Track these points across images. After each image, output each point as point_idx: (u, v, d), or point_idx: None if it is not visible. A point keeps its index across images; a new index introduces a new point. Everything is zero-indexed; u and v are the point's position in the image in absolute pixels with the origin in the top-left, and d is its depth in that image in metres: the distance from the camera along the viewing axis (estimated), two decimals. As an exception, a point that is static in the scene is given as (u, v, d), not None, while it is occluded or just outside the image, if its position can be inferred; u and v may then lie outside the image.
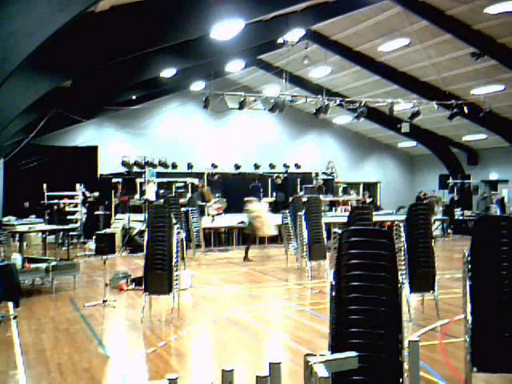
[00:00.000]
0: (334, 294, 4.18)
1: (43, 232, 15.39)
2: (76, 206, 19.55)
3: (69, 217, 18.93)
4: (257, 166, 24.71)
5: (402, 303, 4.24)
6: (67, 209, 19.57)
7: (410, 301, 8.46)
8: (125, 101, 21.10)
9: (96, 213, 19.95)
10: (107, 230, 16.57)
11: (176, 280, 8.53)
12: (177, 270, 8.58)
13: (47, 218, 17.25)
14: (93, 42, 10.38)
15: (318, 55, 20.31)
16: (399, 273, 4.31)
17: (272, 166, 24.77)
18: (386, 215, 20.91)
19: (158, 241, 8.43)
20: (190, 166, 23.56)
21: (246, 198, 16.09)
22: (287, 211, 14.66)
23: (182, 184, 23.51)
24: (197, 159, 24.52)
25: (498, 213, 21.81)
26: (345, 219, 11.90)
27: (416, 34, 17.00)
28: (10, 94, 10.08)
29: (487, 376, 5.24)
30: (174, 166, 23.00)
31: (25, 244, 15.00)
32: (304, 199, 14.87)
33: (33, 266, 10.63)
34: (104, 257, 10.07)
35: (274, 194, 24.29)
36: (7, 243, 13.84)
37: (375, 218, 12.87)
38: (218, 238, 19.07)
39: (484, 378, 5.30)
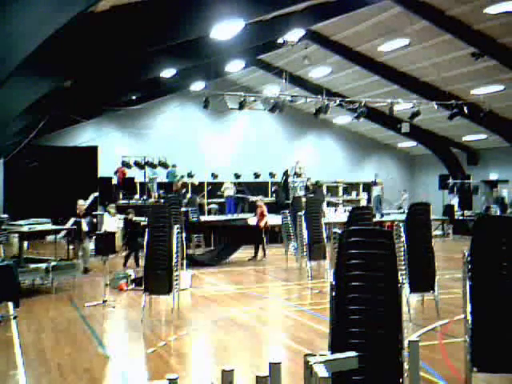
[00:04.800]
0: (333, 293, 4.19)
1: (47, 232, 15.33)
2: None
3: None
4: (257, 175, 24.73)
5: (402, 303, 4.24)
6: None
7: (410, 301, 8.46)
8: (125, 101, 21.09)
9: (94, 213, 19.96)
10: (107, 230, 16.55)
11: (176, 280, 8.54)
12: (177, 270, 8.58)
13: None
14: (93, 42, 10.36)
15: (318, 55, 20.31)
16: (399, 273, 4.31)
17: (272, 175, 24.78)
18: (386, 215, 20.93)
19: (158, 241, 8.43)
20: (190, 175, 23.59)
21: None
22: (287, 211, 14.66)
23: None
24: (197, 159, 24.53)
25: (498, 213, 21.83)
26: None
27: (416, 34, 16.99)
28: (10, 94, 10.06)
29: (487, 376, 5.24)
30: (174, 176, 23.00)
31: (25, 244, 14.95)
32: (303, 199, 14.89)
33: (33, 266, 10.65)
34: (104, 257, 10.06)
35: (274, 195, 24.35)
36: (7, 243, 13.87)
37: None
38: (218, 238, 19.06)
39: (484, 378, 5.30)
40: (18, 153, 18.34)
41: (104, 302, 9.46)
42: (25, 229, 12.40)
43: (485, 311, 4.95)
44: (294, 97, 19.18)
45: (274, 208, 22.15)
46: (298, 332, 7.93)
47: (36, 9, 7.18)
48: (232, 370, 3.00)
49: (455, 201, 24.39)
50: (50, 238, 16.58)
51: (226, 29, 12.19)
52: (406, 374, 4.01)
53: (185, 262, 12.74)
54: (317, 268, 13.04)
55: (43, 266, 10.71)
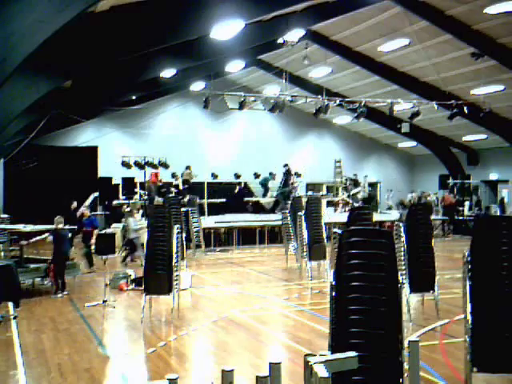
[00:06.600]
0: (334, 294, 4.19)
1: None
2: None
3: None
4: (257, 175, 24.79)
5: (402, 303, 4.24)
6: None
7: (410, 301, 8.46)
8: (125, 101, 21.09)
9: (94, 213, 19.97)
10: (107, 230, 16.56)
11: (176, 280, 8.54)
12: (177, 270, 8.59)
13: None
14: (93, 42, 10.37)
15: (318, 55, 20.31)
16: (399, 273, 4.31)
17: (272, 175, 24.78)
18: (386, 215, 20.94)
19: (158, 241, 8.43)
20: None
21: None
22: (287, 211, 14.66)
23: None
24: (197, 159, 24.52)
25: (498, 213, 21.83)
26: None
27: (416, 34, 17.00)
28: (10, 94, 10.08)
29: (487, 376, 5.24)
30: (174, 175, 23.04)
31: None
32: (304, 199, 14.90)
33: (33, 266, 10.65)
34: (104, 257, 10.06)
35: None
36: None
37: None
38: (218, 238, 19.10)
39: (484, 378, 5.30)
40: (18, 153, 18.35)
41: (104, 301, 9.46)
42: (26, 229, 12.43)
43: (485, 311, 4.95)
44: (294, 97, 19.17)
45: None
46: (297, 332, 7.93)
47: (36, 9, 7.18)
48: (232, 370, 3.00)
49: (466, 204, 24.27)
50: (50, 237, 16.56)
51: (226, 29, 12.19)
52: (406, 374, 4.01)
53: (185, 261, 12.76)
54: (317, 268, 13.04)
55: (43, 266, 10.72)
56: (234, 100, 18.18)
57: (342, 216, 19.46)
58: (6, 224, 16.31)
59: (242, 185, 24.31)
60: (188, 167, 21.46)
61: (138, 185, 21.16)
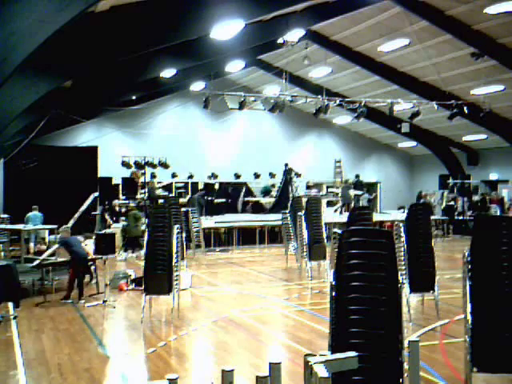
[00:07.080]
0: (334, 293, 4.19)
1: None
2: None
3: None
4: (257, 175, 24.81)
5: (402, 303, 4.24)
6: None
7: (410, 301, 8.46)
8: (125, 101, 21.10)
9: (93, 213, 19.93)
10: (107, 230, 16.55)
11: (176, 280, 8.54)
12: (177, 270, 8.59)
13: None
14: (93, 42, 10.37)
15: (318, 55, 20.31)
16: (399, 273, 4.31)
17: (272, 175, 24.78)
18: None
19: (158, 241, 8.44)
20: (190, 176, 23.69)
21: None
22: (287, 211, 14.66)
23: (182, 184, 23.60)
24: (197, 159, 24.55)
25: (498, 213, 21.83)
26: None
27: (416, 34, 16.99)
28: (10, 95, 10.07)
29: (487, 376, 5.24)
30: (174, 175, 23.11)
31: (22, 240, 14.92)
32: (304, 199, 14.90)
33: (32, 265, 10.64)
34: (104, 257, 10.05)
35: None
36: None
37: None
38: (218, 238, 19.10)
39: (484, 378, 5.30)
40: (18, 153, 18.35)
41: (104, 301, 9.46)
42: (26, 229, 12.42)
43: (485, 311, 4.95)
44: (294, 97, 19.17)
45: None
46: (298, 332, 7.93)
47: (36, 9, 7.18)
48: (232, 370, 3.00)
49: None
50: (51, 237, 16.60)
51: (225, 29, 12.18)
52: (405, 374, 4.01)
53: (185, 261, 12.76)
54: (317, 268, 13.04)
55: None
56: (234, 100, 18.18)
57: (340, 216, 19.50)
58: (6, 224, 16.33)
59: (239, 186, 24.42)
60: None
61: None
